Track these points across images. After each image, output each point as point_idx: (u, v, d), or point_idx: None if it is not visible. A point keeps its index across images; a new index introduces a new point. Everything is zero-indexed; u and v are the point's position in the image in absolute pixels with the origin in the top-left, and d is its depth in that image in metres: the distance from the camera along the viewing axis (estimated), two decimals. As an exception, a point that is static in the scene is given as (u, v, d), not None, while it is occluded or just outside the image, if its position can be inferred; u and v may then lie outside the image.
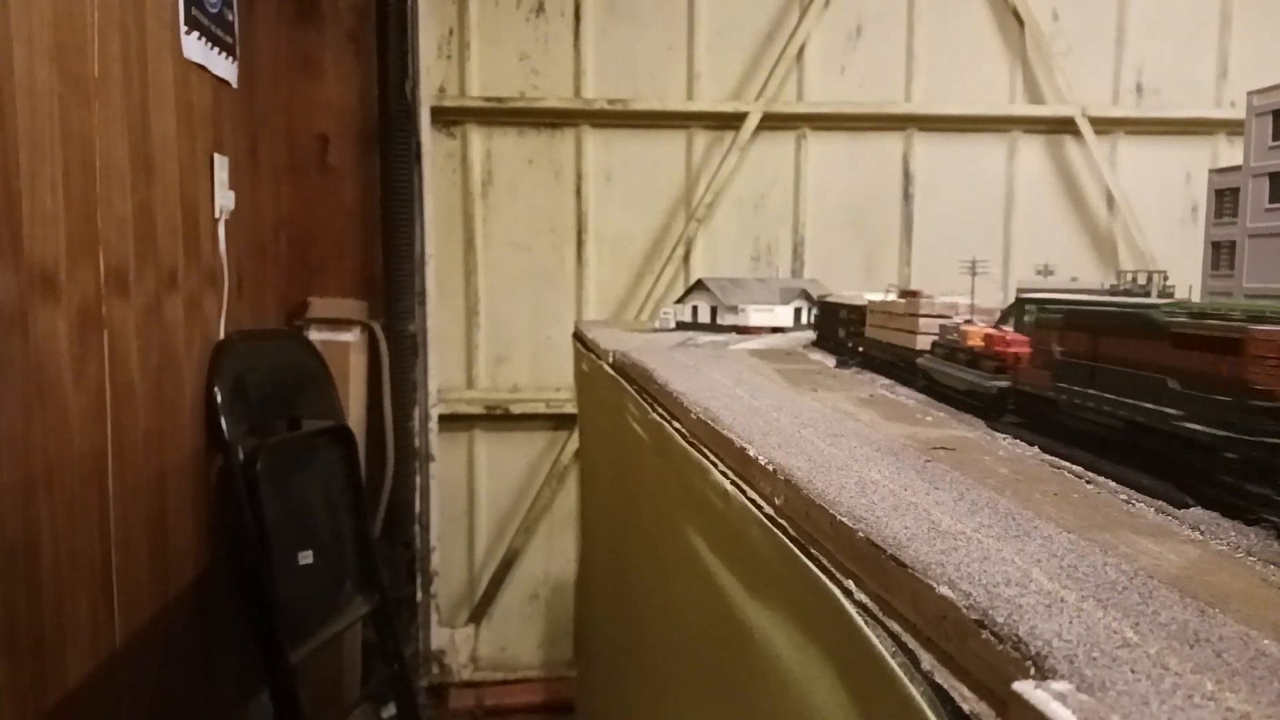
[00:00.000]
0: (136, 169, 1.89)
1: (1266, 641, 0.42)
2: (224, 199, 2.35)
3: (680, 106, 3.20)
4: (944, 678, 0.49)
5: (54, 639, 1.59)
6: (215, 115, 2.32)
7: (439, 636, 3.24)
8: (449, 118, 3.16)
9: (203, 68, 2.22)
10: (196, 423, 2.19)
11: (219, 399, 2.22)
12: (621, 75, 3.21)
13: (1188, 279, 1.71)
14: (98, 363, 1.74)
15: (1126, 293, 1.56)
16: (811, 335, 1.96)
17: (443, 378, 3.20)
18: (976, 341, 1.07)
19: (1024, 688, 0.37)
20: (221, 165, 2.34)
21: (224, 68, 2.35)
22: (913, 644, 0.53)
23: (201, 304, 2.24)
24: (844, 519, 0.63)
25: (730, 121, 3.21)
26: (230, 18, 2.40)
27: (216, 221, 2.32)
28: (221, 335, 2.34)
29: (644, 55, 3.22)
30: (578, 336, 2.23)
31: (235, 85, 2.44)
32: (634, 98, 3.18)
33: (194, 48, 2.16)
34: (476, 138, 3.19)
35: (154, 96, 1.97)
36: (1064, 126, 3.27)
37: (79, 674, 1.67)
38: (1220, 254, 1.52)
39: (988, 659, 0.44)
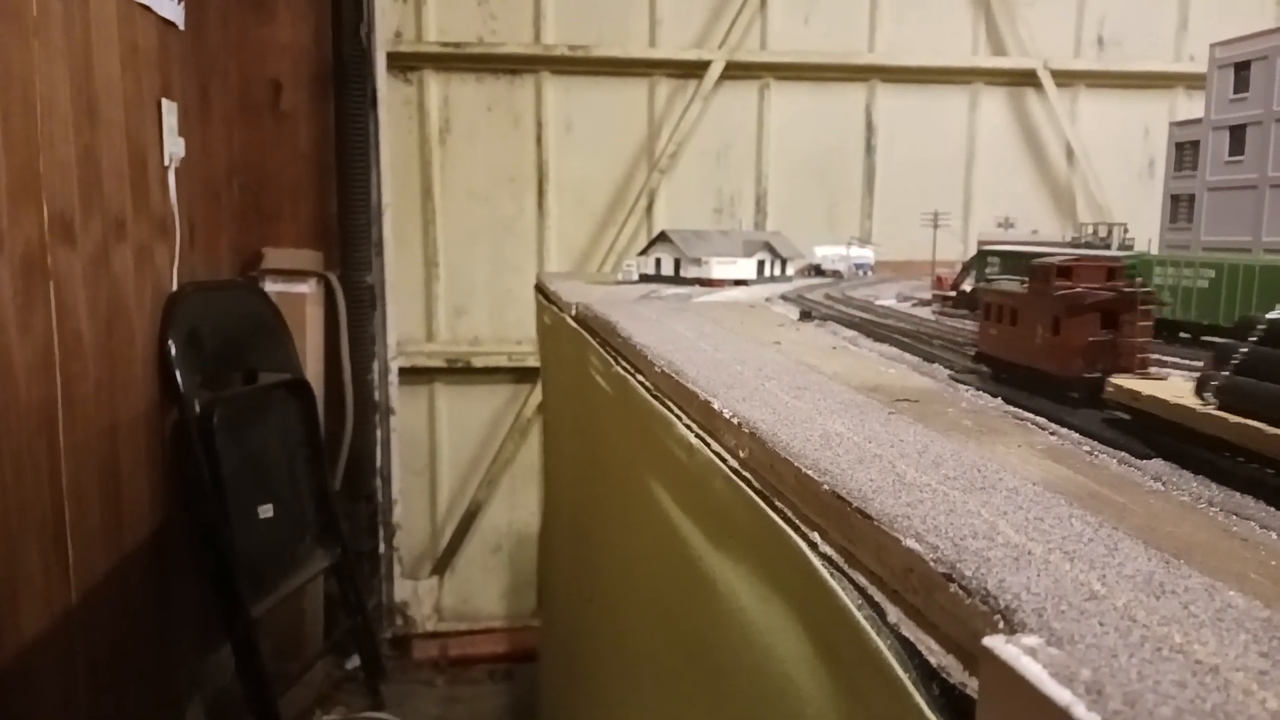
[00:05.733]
0: (80, 111, 1.82)
1: (1232, 593, 0.42)
2: (173, 145, 2.27)
3: (642, 53, 3.15)
4: (911, 631, 0.49)
5: (6, 592, 1.56)
6: (162, 58, 2.23)
7: (402, 589, 3.23)
8: (405, 63, 3.08)
9: (146, 8, 2.13)
10: (149, 375, 2.14)
11: (173, 351, 2.18)
12: (582, 21, 3.14)
13: (1143, 232, 1.72)
14: (44, 313, 1.69)
15: (1088, 245, 1.57)
16: (776, 288, 1.95)
17: (402, 330, 3.16)
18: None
19: (994, 642, 0.36)
20: (170, 110, 2.26)
21: (169, 8, 2.26)
22: (879, 597, 0.53)
23: (152, 254, 2.18)
24: (809, 471, 0.62)
25: (693, 70, 3.16)
26: (175, -45, 2.31)
27: (166, 168, 2.25)
28: (174, 286, 2.28)
29: (605, 0, 3.15)
30: (540, 289, 2.20)
31: (182, 27, 2.36)
32: (595, 44, 3.12)
33: (138, -14, 2.08)
34: (434, 84, 3.12)
35: (96, 36, 1.89)
36: (1026, 79, 3.27)
37: (33, 627, 1.64)
38: (1179, 207, 1.52)
39: (956, 612, 0.44)
